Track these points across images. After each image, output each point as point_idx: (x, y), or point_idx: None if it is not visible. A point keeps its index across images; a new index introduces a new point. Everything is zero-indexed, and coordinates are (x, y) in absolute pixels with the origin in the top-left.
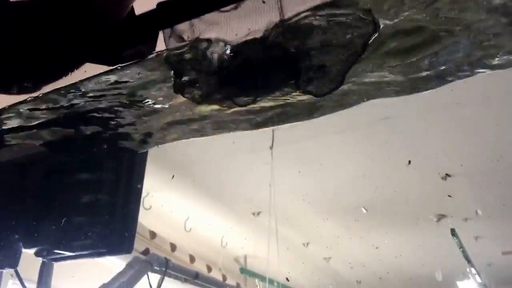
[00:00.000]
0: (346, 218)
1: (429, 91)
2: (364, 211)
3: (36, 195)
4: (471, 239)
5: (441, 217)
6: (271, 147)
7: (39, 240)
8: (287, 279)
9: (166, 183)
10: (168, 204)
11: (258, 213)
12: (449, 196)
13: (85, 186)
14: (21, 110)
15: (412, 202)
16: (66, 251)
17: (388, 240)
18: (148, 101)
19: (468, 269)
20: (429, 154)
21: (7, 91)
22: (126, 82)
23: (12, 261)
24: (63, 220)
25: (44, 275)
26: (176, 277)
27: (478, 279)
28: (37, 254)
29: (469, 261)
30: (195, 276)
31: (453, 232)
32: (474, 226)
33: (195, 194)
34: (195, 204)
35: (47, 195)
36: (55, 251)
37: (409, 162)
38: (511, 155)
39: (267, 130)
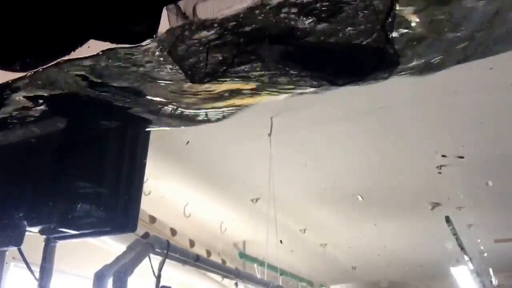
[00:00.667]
0: (343, 206)
1: (426, 80)
2: (360, 198)
3: (40, 175)
4: (464, 227)
5: (435, 205)
6: (270, 135)
7: (43, 219)
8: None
9: (165, 169)
10: (167, 190)
11: (257, 200)
12: (443, 185)
13: (90, 165)
14: (24, 84)
15: (407, 191)
16: (71, 229)
17: (383, 227)
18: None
19: (461, 256)
20: (425, 143)
21: (10, 67)
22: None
23: (16, 240)
24: (68, 199)
25: (48, 254)
26: (177, 260)
27: (471, 266)
28: (41, 232)
29: (462, 248)
30: (196, 259)
31: (447, 219)
32: (467, 214)
33: (194, 180)
34: (194, 190)
35: (52, 175)
36: (60, 229)
37: (405, 151)
38: (506, 144)
39: (266, 118)
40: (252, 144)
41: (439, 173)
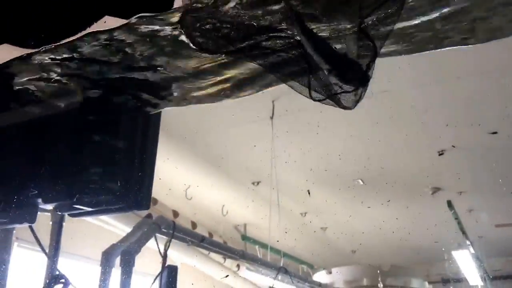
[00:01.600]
0: (343, 189)
1: (428, 64)
2: (361, 183)
3: (56, 153)
4: (465, 212)
5: (436, 190)
6: (272, 118)
7: (58, 196)
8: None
9: (167, 151)
10: (169, 172)
11: (258, 183)
12: (444, 170)
13: (103, 143)
14: (39, 59)
15: (409, 175)
16: (86, 206)
17: (384, 211)
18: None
19: (462, 240)
20: (426, 128)
21: (22, 44)
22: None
23: (30, 217)
24: (83, 177)
25: (59, 231)
26: (182, 240)
27: (471, 250)
28: (56, 209)
29: (463, 232)
30: (201, 240)
31: (449, 204)
32: (468, 199)
33: (196, 162)
34: (195, 173)
35: (67, 153)
36: (75, 206)
37: (406, 135)
38: (507, 130)
39: (268, 101)
40: (254, 127)
41: (440, 158)
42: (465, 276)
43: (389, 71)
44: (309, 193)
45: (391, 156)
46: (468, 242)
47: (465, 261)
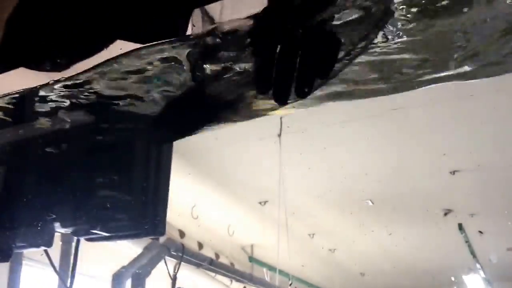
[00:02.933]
0: (352, 210)
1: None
2: (371, 203)
3: (73, 178)
4: (476, 234)
5: (447, 211)
6: (279, 135)
7: (76, 221)
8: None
9: (173, 169)
10: (174, 191)
11: (265, 203)
12: (457, 191)
13: (119, 171)
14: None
15: (419, 196)
16: (103, 231)
17: (393, 233)
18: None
19: (473, 264)
20: (437, 147)
21: (40, 67)
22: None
23: (47, 241)
24: (100, 203)
25: (76, 254)
26: (191, 263)
27: (482, 274)
28: (74, 233)
29: (474, 256)
30: (210, 262)
31: (460, 226)
32: (480, 221)
33: (202, 181)
34: (201, 192)
35: (84, 178)
36: (92, 231)
37: (418, 155)
38: None
39: (276, 117)
40: (261, 145)
41: (452, 179)
42: None
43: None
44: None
45: (402, 176)
46: (478, 266)
47: (475, 286)
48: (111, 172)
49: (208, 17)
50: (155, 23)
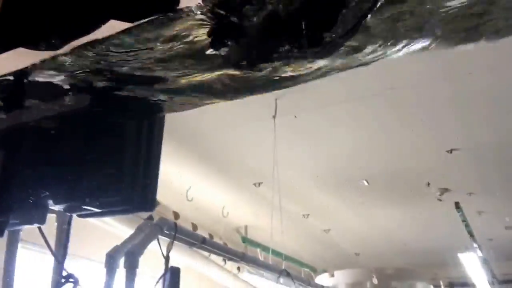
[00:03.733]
0: (347, 190)
1: (438, 61)
2: (366, 183)
3: (65, 155)
4: (474, 213)
5: (444, 191)
6: (274, 117)
7: (68, 197)
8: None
9: (168, 152)
10: (170, 173)
11: (259, 184)
12: (453, 170)
13: (111, 147)
14: (51, 65)
15: (416, 175)
16: (95, 207)
17: (389, 213)
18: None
19: (469, 243)
20: (434, 127)
21: (35, 47)
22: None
23: (40, 218)
24: (91, 179)
25: (68, 231)
26: (184, 242)
27: (479, 253)
28: (66, 210)
29: (471, 235)
30: (202, 241)
31: (457, 205)
32: (478, 200)
33: (197, 163)
34: (197, 174)
35: (76, 156)
36: (84, 207)
37: (413, 134)
38: None
39: (271, 99)
40: (255, 126)
41: (449, 158)
42: (472, 281)
43: (394, 68)
44: None
45: (397, 156)
46: (475, 245)
47: (472, 265)
48: (102, 148)
49: None
50: (147, 2)
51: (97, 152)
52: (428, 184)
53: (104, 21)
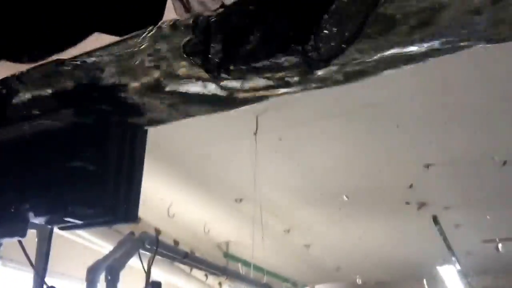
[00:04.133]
0: (327, 205)
1: (414, 76)
2: (346, 198)
3: (47, 167)
4: (451, 227)
5: (422, 205)
6: (255, 134)
7: (50, 210)
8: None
9: (149, 169)
10: (151, 190)
11: (240, 200)
12: (431, 185)
13: (94, 158)
14: (31, 77)
15: (394, 190)
16: (76, 219)
17: (369, 227)
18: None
19: (448, 256)
20: (411, 143)
21: (18, 60)
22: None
23: (21, 231)
24: (73, 191)
25: (49, 245)
26: (166, 256)
27: (458, 266)
28: (47, 222)
29: (449, 248)
30: (184, 256)
31: (434, 219)
32: (455, 214)
33: (179, 179)
34: (178, 190)
35: (57, 166)
36: (66, 219)
37: (391, 149)
38: (492, 145)
39: (252, 116)
40: (236, 143)
41: (426, 173)
42: None
43: (371, 85)
44: None
45: (376, 171)
46: (454, 258)
47: (451, 278)
48: (84, 159)
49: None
50: (131, 15)
51: (79, 162)
52: (407, 203)
53: (87, 34)
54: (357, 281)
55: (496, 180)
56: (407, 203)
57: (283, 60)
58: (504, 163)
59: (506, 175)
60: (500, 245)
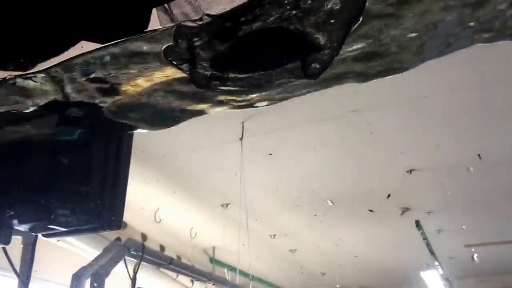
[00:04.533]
0: (313, 211)
1: (397, 84)
2: (331, 203)
3: (31, 174)
4: (434, 232)
5: (405, 210)
6: (241, 139)
7: (34, 217)
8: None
9: (135, 174)
10: (138, 195)
11: (227, 205)
12: (413, 190)
13: (78, 165)
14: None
15: (378, 196)
16: (60, 227)
17: (353, 232)
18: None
19: (431, 261)
20: (395, 148)
21: (3, 67)
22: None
23: (5, 238)
24: (57, 198)
25: (33, 252)
26: (151, 262)
27: (440, 271)
28: (32, 229)
29: (432, 253)
30: (170, 262)
31: (417, 224)
32: (437, 219)
33: (164, 185)
34: (164, 196)
35: (42, 174)
36: (49, 226)
37: (375, 156)
38: (474, 149)
39: (237, 122)
40: (223, 148)
41: (409, 178)
42: None
43: (356, 91)
44: None
45: (360, 176)
46: (436, 263)
47: (434, 282)
48: (68, 167)
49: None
50: (117, 23)
51: (64, 169)
52: (391, 208)
53: (75, 42)
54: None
55: (478, 185)
56: (391, 208)
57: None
58: (487, 168)
59: (488, 180)
60: (475, 255)
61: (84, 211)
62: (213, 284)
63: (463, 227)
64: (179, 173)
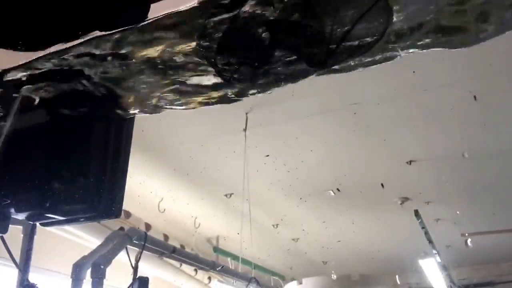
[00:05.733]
0: (315, 201)
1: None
2: (332, 193)
3: (28, 162)
4: (432, 221)
5: (405, 200)
6: (245, 130)
7: (31, 205)
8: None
9: (140, 165)
10: (142, 185)
11: (230, 195)
12: (413, 180)
13: (76, 153)
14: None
15: (378, 186)
16: (58, 215)
17: (354, 222)
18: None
19: (429, 249)
20: (395, 140)
21: (14, 47)
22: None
23: (2, 227)
24: (55, 186)
25: (31, 241)
26: (154, 251)
27: (438, 259)
28: (28, 218)
29: (430, 241)
30: (172, 251)
31: (416, 213)
32: (436, 208)
33: (168, 175)
34: (168, 185)
35: (39, 162)
36: (47, 215)
37: (376, 146)
38: (473, 141)
39: (241, 113)
40: (226, 139)
41: (409, 169)
42: (432, 286)
43: (357, 84)
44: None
45: (361, 167)
46: (434, 251)
47: (432, 270)
48: (66, 155)
49: None
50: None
51: (62, 157)
52: (391, 198)
53: (88, 30)
54: (332, 276)
55: (475, 176)
56: (391, 198)
57: None
58: (483, 158)
59: (484, 170)
60: (469, 240)
61: (82, 200)
62: (219, 269)
63: (459, 215)
64: (183, 163)
